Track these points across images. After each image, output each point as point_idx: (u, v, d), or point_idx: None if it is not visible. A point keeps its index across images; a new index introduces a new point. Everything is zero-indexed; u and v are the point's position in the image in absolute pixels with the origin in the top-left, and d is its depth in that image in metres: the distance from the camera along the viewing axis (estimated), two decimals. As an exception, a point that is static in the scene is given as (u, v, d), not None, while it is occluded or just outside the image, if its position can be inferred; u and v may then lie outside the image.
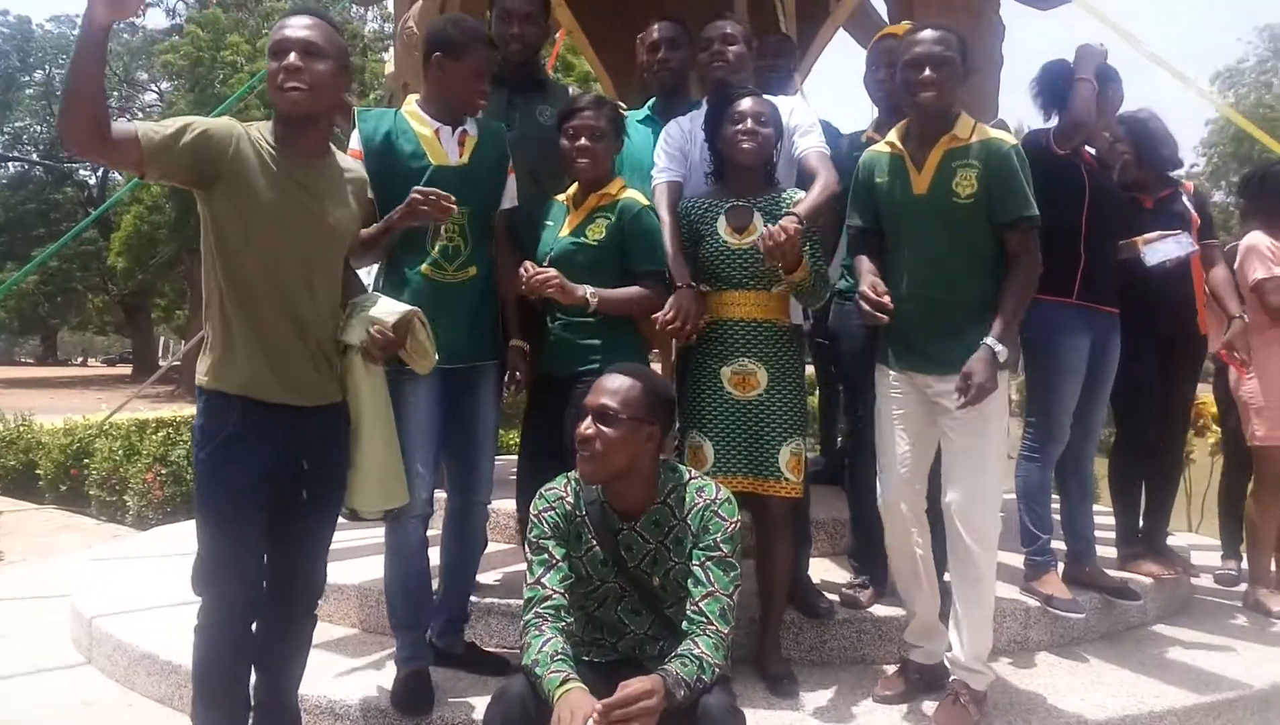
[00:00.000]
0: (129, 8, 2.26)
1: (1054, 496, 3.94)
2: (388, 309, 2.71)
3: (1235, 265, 4.33)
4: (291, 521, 2.62)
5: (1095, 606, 3.78)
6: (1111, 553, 4.26)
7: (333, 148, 2.70)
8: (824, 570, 3.91)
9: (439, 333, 3.09)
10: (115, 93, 36.53)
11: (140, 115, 37.03)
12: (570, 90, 4.05)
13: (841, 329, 3.78)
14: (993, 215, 2.93)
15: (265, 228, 2.50)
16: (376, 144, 3.15)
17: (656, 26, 3.90)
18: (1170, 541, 4.59)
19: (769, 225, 2.98)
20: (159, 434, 8.79)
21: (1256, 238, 4.29)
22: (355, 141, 3.17)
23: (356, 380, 2.67)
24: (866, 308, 2.93)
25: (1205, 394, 7.14)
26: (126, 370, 38.89)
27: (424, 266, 3.13)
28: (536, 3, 3.78)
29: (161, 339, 48.93)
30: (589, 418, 2.48)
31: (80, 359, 63.45)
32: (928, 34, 2.96)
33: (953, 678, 2.99)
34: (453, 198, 2.90)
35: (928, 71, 2.90)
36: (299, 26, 2.51)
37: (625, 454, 2.48)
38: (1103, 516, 4.24)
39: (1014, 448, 3.85)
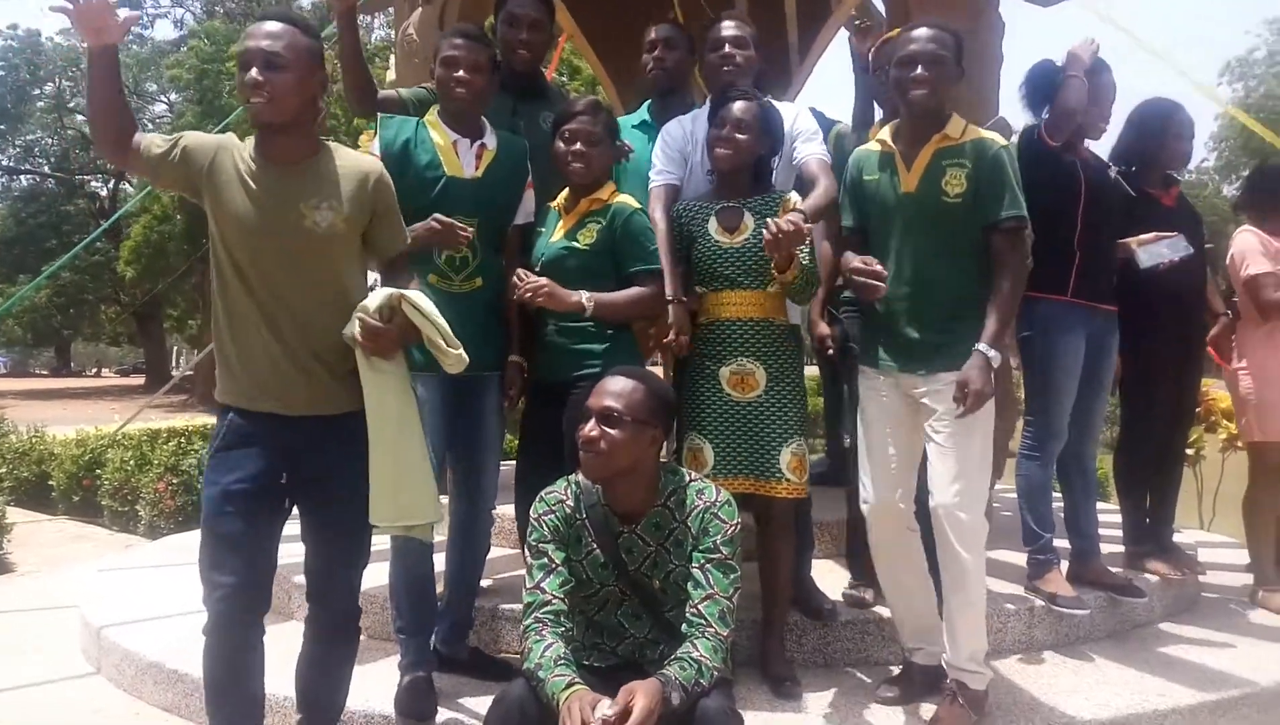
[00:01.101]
0: (112, 34, 2.42)
1: (1055, 494, 3.94)
2: (377, 296, 2.62)
3: (1227, 260, 4.31)
4: (311, 532, 2.65)
5: (1100, 605, 3.77)
6: (1116, 550, 4.25)
7: (332, 147, 2.68)
8: (827, 572, 3.92)
9: None
10: (125, 104, 36.83)
11: (151, 126, 37.27)
12: (568, 95, 4.07)
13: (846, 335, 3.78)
14: (982, 215, 2.93)
15: (241, 237, 2.53)
16: (395, 151, 3.21)
17: (654, 27, 3.92)
18: (1178, 538, 4.58)
19: (767, 220, 2.97)
20: (170, 444, 8.84)
21: (1248, 233, 4.27)
22: (375, 147, 3.25)
23: (363, 381, 2.60)
24: (860, 280, 2.93)
25: (1218, 391, 7.14)
26: (140, 381, 39.02)
27: (431, 276, 3.17)
28: (542, 9, 3.77)
29: (174, 349, 49.21)
30: (593, 419, 2.49)
31: (94, 370, 63.76)
32: (921, 32, 2.96)
33: (949, 679, 2.98)
34: (469, 230, 3.01)
35: (920, 69, 2.91)
36: (262, 37, 2.50)
37: (629, 455, 2.50)
38: (1105, 514, 4.22)
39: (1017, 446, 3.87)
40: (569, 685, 2.23)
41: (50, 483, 9.27)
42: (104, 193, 36.94)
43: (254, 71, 2.47)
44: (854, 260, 2.98)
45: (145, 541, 7.02)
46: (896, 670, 3.26)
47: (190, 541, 5.59)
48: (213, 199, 2.54)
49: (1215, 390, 7.24)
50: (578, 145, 3.21)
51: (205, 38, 27.99)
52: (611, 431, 2.47)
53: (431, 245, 3.11)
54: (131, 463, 8.57)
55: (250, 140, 2.61)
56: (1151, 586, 3.98)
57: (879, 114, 3.86)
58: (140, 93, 36.40)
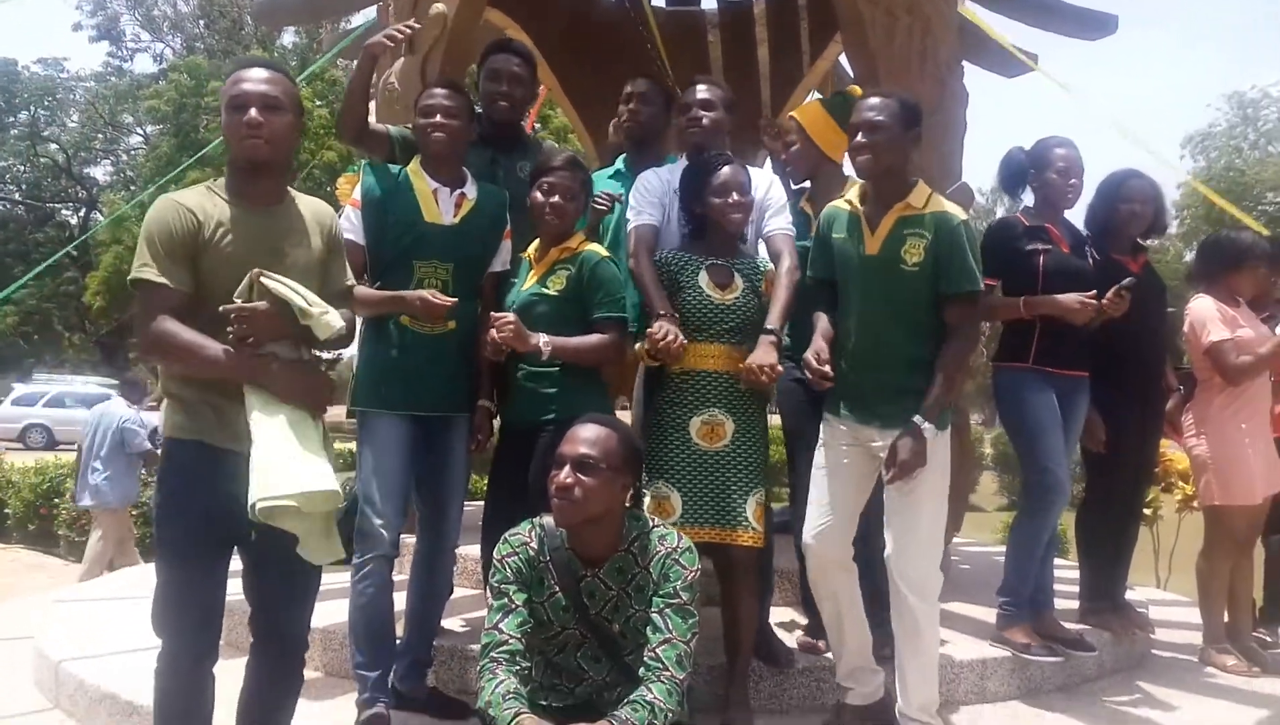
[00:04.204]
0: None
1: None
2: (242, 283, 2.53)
3: (1185, 327, 4.43)
4: (255, 568, 2.63)
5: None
6: (1069, 605, 4.32)
7: (292, 192, 2.73)
8: (786, 617, 3.97)
9: (415, 381, 3.19)
10: (100, 135, 36.77)
11: (124, 158, 37.23)
12: (546, 145, 4.17)
13: (784, 386, 3.85)
14: (939, 285, 3.04)
15: (228, 280, 2.50)
16: (376, 196, 3.32)
17: (632, 81, 4.03)
18: (1131, 596, 4.66)
19: (748, 363, 3.13)
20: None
21: (1204, 302, 4.39)
22: (356, 192, 3.35)
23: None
24: (810, 376, 3.04)
25: (1174, 452, 7.27)
26: (101, 411, 38.56)
27: (404, 317, 3.24)
28: (524, 65, 3.85)
29: (138, 380, 48.60)
30: (568, 466, 2.52)
31: (55, 399, 62.77)
32: (867, 100, 3.12)
33: None
34: (450, 305, 3.09)
35: (860, 136, 3.05)
36: (258, 81, 2.55)
37: (602, 503, 2.53)
38: (1060, 569, 4.30)
39: (986, 501, 3.94)
40: (515, 715, 2.27)
41: (6, 511, 9.16)
42: (74, 221, 36.74)
43: (254, 112, 2.51)
44: (812, 347, 3.12)
45: (87, 583, 6.90)
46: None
47: (145, 573, 5.55)
48: (203, 261, 2.52)
49: (1172, 451, 7.40)
50: (555, 198, 3.30)
51: (186, 73, 28.07)
52: (586, 478, 2.50)
53: (416, 314, 3.20)
54: (90, 494, 8.47)
55: (203, 189, 2.60)
56: (1103, 642, 4.05)
57: None
58: (116, 124, 36.43)
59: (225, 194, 2.59)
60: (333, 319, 2.52)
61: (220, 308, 2.45)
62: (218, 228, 2.52)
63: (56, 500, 8.85)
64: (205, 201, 2.56)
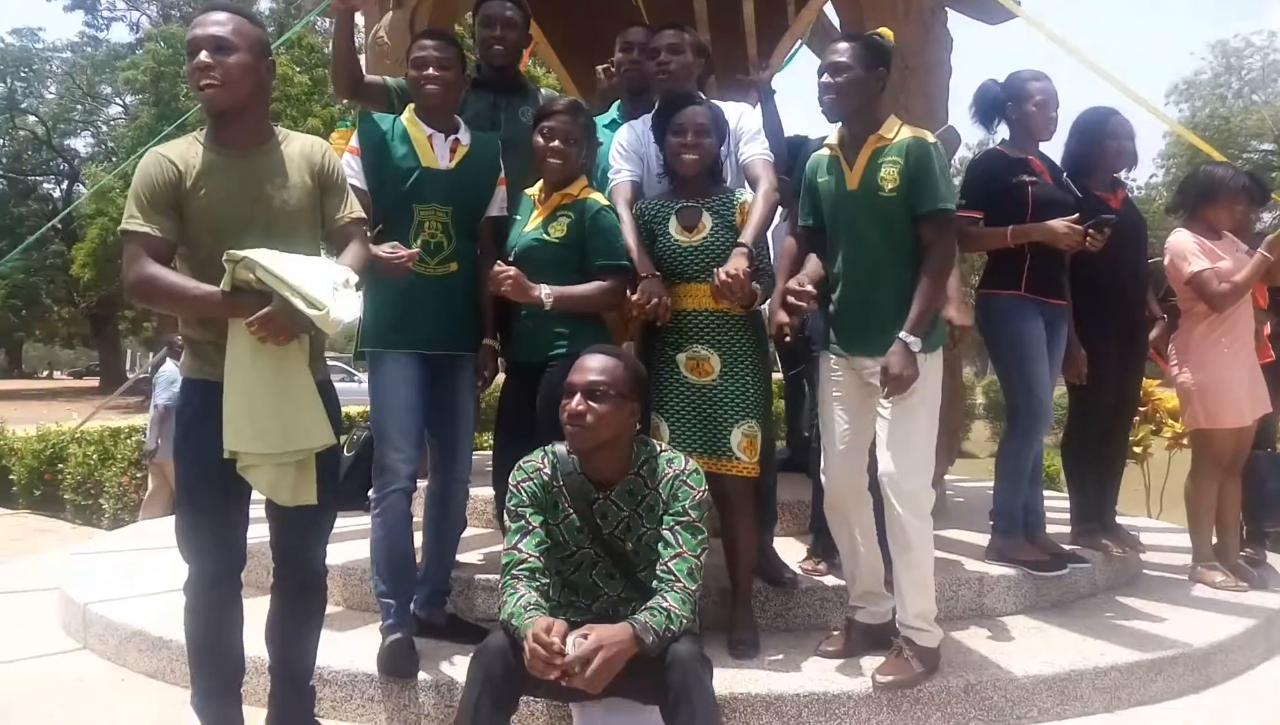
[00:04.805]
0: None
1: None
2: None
3: (1165, 261, 4.54)
4: (277, 508, 2.71)
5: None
6: (1062, 530, 4.47)
7: (283, 132, 2.76)
8: (789, 547, 4.09)
9: (420, 322, 3.28)
10: (79, 106, 36.37)
11: (105, 129, 36.88)
12: (545, 92, 4.23)
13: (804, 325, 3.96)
14: (913, 207, 3.13)
15: (218, 224, 2.58)
16: (374, 144, 3.39)
17: (629, 30, 4.08)
18: (1123, 521, 4.81)
19: (715, 271, 3.15)
20: (133, 439, 8.85)
21: (1182, 235, 4.48)
22: (354, 141, 3.41)
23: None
24: (790, 301, 3.12)
25: (1163, 391, 7.42)
26: (93, 382, 38.49)
27: None
28: (517, 9, 3.95)
29: (128, 352, 48.53)
30: (579, 395, 2.64)
31: (45, 372, 62.65)
32: (834, 45, 3.22)
33: (900, 635, 3.17)
34: (410, 258, 3.03)
35: (825, 77, 3.16)
36: (209, 24, 2.57)
37: (612, 428, 2.66)
38: (1050, 500, 4.44)
39: (979, 447, 4.05)
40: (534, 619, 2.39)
41: (11, 477, 9.23)
42: (57, 194, 36.45)
43: (203, 55, 2.53)
44: (794, 279, 3.18)
45: (105, 534, 7.04)
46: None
47: (155, 528, 5.70)
48: (188, 208, 2.58)
49: (1160, 391, 7.55)
50: (556, 142, 3.36)
51: (162, 41, 27.77)
52: (597, 405, 2.63)
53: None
54: (95, 457, 8.58)
55: (189, 139, 2.66)
56: (1095, 560, 4.21)
57: None
58: (95, 95, 36.02)
59: (205, 141, 2.64)
60: (341, 314, 2.49)
61: (245, 322, 2.48)
62: (198, 175, 2.58)
63: (60, 466, 8.93)
64: (187, 151, 2.62)
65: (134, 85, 29.80)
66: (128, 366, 41.83)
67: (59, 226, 27.92)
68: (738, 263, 3.16)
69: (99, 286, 29.51)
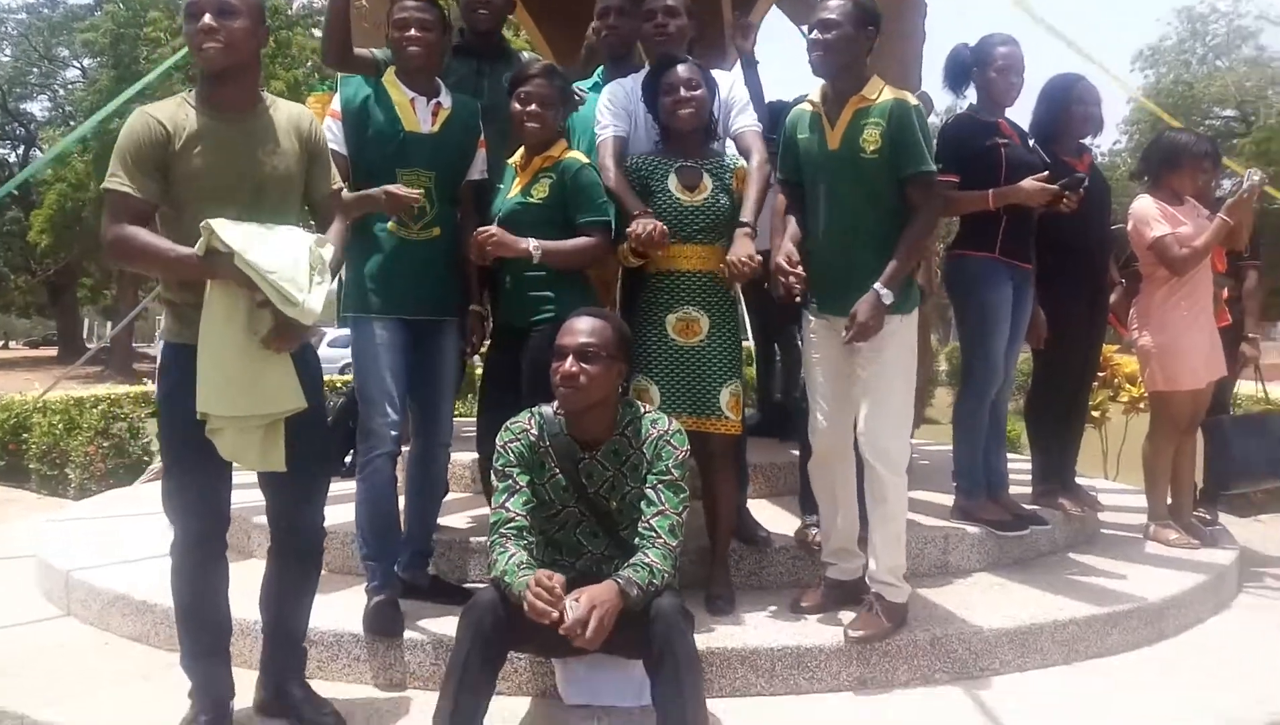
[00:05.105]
0: None
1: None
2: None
3: (1128, 226, 4.65)
4: (271, 476, 2.75)
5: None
6: (1024, 491, 4.61)
7: (269, 98, 2.79)
8: (761, 508, 4.20)
9: (402, 287, 3.32)
10: (35, 69, 35.55)
11: (62, 93, 36.10)
12: (523, 56, 4.24)
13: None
14: (895, 169, 3.20)
15: (207, 189, 2.60)
16: (355, 108, 3.41)
17: None
18: (1081, 481, 4.95)
19: (727, 258, 3.26)
20: (98, 408, 8.78)
21: (1145, 201, 4.58)
22: (336, 103, 3.43)
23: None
24: (781, 280, 3.20)
25: (1122, 356, 7.58)
26: (51, 352, 37.92)
27: (390, 224, 3.37)
28: None
29: (86, 321, 47.79)
30: (570, 356, 2.70)
31: (1, 342, 61.57)
32: (824, 2, 3.23)
33: (871, 591, 3.28)
34: (418, 193, 3.16)
35: (815, 34, 3.20)
36: None
37: (602, 389, 2.74)
38: (1013, 462, 4.57)
39: (941, 414, 4.18)
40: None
41: (-27, 448, 9.11)
42: (13, 159, 35.67)
43: (207, 18, 2.55)
44: (783, 251, 3.26)
45: (75, 504, 7.00)
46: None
47: (128, 495, 5.70)
48: (176, 170, 2.59)
49: (1118, 356, 7.72)
50: (533, 106, 3.39)
51: (121, 3, 27.17)
52: (588, 366, 2.70)
53: (383, 211, 3.27)
54: (60, 427, 8.50)
55: (177, 100, 2.66)
56: (1055, 519, 4.36)
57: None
58: (51, 58, 35.22)
59: (196, 103, 2.65)
60: (315, 305, 2.56)
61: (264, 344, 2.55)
62: (188, 138, 2.59)
63: (25, 436, 8.84)
64: (177, 112, 2.63)
65: (93, 48, 29.20)
66: (85, 335, 41.22)
67: (15, 192, 27.37)
68: (746, 247, 3.25)
69: (57, 253, 29.02)
